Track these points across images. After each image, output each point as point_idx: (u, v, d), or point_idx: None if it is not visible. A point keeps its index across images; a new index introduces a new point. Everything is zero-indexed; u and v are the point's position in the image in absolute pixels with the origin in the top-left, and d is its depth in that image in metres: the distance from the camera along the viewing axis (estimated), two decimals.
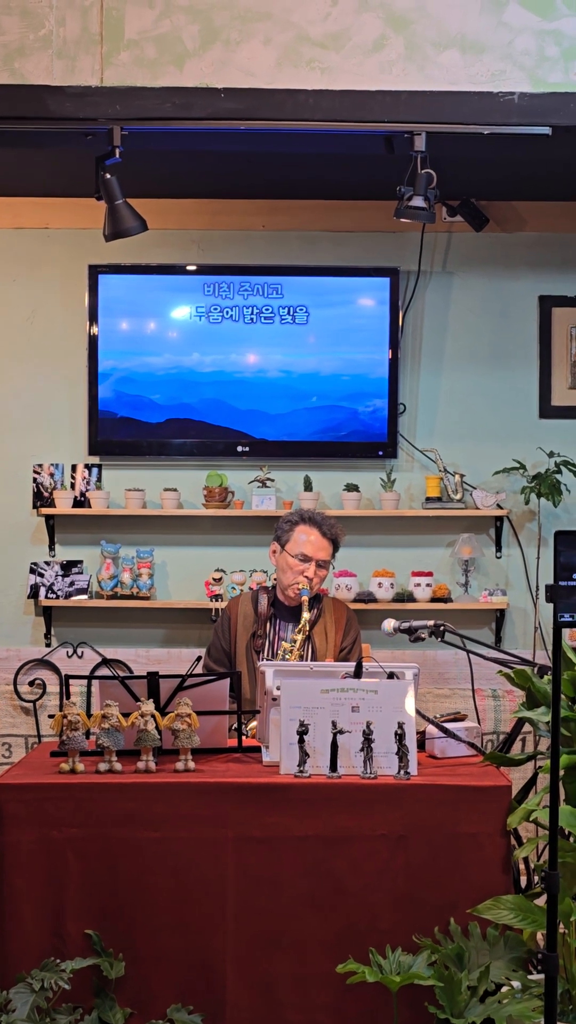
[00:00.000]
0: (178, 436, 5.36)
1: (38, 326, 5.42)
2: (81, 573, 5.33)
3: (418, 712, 3.46)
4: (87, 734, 3.42)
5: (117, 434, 5.35)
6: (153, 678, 3.51)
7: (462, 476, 5.33)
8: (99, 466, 5.40)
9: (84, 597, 5.31)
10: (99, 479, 5.39)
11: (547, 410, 5.45)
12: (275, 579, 4.45)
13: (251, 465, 5.36)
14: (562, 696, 3.21)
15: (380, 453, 5.38)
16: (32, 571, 5.33)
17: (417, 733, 3.47)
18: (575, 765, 3.21)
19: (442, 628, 3.79)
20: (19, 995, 3.05)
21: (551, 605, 2.79)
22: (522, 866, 3.56)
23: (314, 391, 5.36)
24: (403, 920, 3.21)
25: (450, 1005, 3.00)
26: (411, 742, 3.33)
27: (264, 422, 5.36)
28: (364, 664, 3.52)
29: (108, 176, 4.01)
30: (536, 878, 3.56)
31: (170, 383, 5.34)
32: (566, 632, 4.93)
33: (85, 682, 4.81)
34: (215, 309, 5.34)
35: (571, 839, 3.24)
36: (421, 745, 3.60)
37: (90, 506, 5.34)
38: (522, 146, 4.03)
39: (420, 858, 3.24)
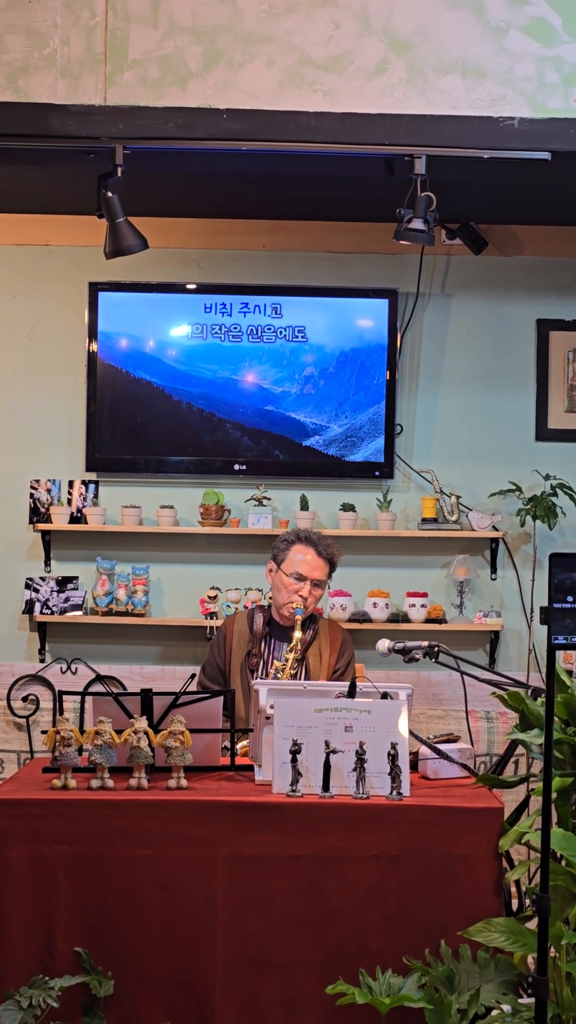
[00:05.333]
0: (174, 454, 5.37)
1: (38, 342, 5.44)
2: (76, 589, 5.33)
3: (411, 733, 3.45)
4: (80, 750, 3.41)
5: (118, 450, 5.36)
6: (147, 695, 3.51)
7: (458, 497, 5.34)
8: (96, 482, 5.40)
9: (79, 613, 5.31)
10: (96, 495, 5.39)
11: (544, 433, 5.46)
12: (270, 598, 4.44)
13: (248, 483, 5.37)
14: (555, 719, 3.21)
15: (376, 473, 5.38)
16: (27, 586, 5.33)
17: (410, 754, 3.46)
18: (567, 788, 3.21)
19: (436, 649, 3.79)
20: (7, 1012, 3.04)
21: (545, 627, 2.79)
22: (513, 889, 3.54)
23: (312, 410, 5.37)
24: (394, 941, 3.20)
25: None
26: (404, 763, 3.33)
27: (261, 439, 5.37)
28: (358, 684, 3.52)
29: (110, 194, 4.03)
30: (527, 901, 3.55)
31: (167, 401, 5.36)
32: (560, 654, 4.93)
33: (79, 698, 4.78)
34: (215, 328, 5.36)
35: (562, 862, 3.24)
36: (414, 766, 3.59)
37: (86, 522, 5.34)
38: (522, 171, 4.05)
39: (411, 879, 3.23)
